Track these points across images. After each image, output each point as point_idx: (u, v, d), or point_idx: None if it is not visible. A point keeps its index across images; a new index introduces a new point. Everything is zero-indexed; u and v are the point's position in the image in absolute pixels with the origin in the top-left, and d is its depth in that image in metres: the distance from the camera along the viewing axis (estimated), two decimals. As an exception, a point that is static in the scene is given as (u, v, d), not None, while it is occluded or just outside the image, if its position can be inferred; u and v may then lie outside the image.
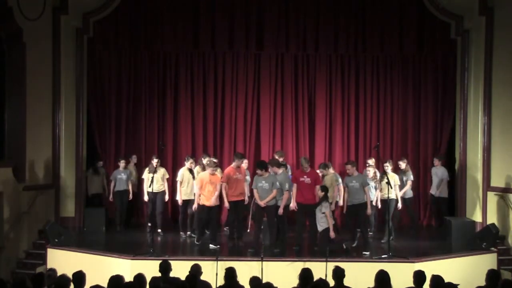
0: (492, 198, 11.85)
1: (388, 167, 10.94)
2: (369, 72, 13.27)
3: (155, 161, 11.38)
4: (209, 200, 10.37)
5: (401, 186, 11.31)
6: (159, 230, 11.59)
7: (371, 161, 11.77)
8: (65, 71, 12.43)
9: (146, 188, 11.36)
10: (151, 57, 13.18)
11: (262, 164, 10.07)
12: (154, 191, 11.08)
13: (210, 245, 10.27)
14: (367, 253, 9.94)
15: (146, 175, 11.47)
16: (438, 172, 12.29)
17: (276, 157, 11.07)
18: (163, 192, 11.62)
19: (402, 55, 13.22)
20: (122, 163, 12.16)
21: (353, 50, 13.14)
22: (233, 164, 10.66)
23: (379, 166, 12.77)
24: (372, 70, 13.28)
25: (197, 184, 10.53)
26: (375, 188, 11.12)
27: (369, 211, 10.16)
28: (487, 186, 12.02)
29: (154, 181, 10.96)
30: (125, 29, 13.01)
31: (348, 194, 10.30)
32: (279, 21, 13.03)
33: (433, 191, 12.38)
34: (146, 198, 11.54)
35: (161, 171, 11.61)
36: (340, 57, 13.27)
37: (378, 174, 11.32)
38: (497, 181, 11.88)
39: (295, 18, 13.03)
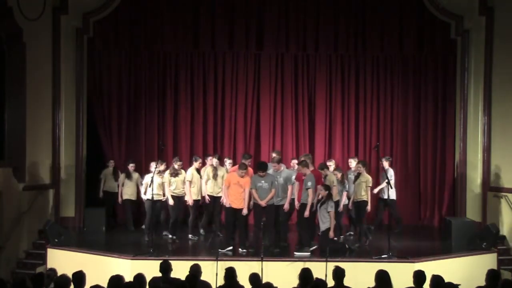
0: (492, 198, 11.86)
1: (361, 167, 10.64)
2: (369, 72, 13.27)
3: (178, 164, 11.03)
4: (234, 202, 9.99)
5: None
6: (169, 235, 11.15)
7: (332, 163, 11.38)
8: (65, 71, 12.43)
9: (169, 192, 10.90)
10: (151, 57, 13.18)
11: (263, 166, 10.03)
12: (177, 195, 10.98)
13: (239, 249, 9.99)
14: (304, 253, 9.82)
15: (168, 179, 10.94)
16: (390, 175, 11.62)
17: (274, 155, 11.01)
18: (184, 196, 11.19)
19: (402, 55, 13.22)
20: (162, 166, 11.22)
21: (353, 50, 13.14)
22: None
23: (379, 166, 12.84)
24: (372, 70, 13.27)
25: (225, 184, 10.24)
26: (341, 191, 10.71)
27: (307, 213, 9.86)
28: (487, 186, 12.03)
29: (179, 184, 10.88)
30: (125, 29, 13.00)
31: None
32: (279, 21, 13.03)
33: (386, 195, 11.41)
34: (171, 202, 10.91)
35: (183, 174, 11.17)
36: (340, 57, 13.27)
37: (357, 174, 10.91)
38: (497, 181, 11.89)
39: (295, 18, 13.02)
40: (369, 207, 10.62)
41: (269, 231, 10.05)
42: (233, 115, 13.26)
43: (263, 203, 9.83)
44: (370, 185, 10.56)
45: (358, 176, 10.62)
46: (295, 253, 9.89)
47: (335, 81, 13.28)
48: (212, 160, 11.26)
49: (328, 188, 9.95)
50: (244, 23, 13.02)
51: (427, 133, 13.21)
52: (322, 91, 13.26)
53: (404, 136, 13.28)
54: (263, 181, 9.86)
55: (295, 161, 11.27)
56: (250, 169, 10.70)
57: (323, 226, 9.87)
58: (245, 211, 9.97)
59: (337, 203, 10.25)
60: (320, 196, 9.94)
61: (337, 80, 13.27)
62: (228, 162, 11.51)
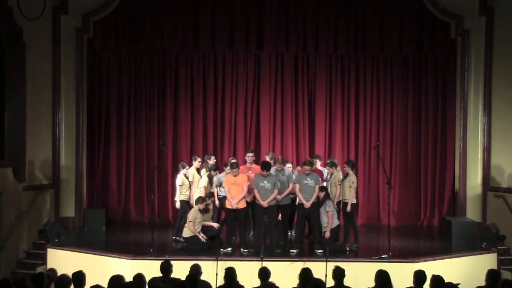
0: (492, 198, 11.87)
1: (347, 167, 10.37)
2: (369, 72, 13.26)
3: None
4: (232, 202, 9.90)
5: None
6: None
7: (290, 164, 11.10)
8: (65, 71, 12.45)
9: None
10: (151, 57, 13.17)
11: (267, 165, 10.01)
12: None
13: (241, 249, 9.93)
14: (294, 251, 9.87)
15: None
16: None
17: (267, 158, 10.85)
18: None
19: (402, 55, 13.20)
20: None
21: (353, 50, 13.13)
22: (248, 158, 10.58)
23: (379, 166, 12.85)
24: (372, 70, 13.26)
25: (225, 186, 10.07)
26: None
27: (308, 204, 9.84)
28: (487, 186, 12.03)
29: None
30: (125, 29, 13.00)
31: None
32: (279, 21, 13.02)
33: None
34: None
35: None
36: (340, 57, 13.25)
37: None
38: (497, 181, 11.91)
39: (295, 18, 13.02)
40: (348, 208, 10.15)
41: (270, 231, 10.08)
42: (233, 115, 13.25)
43: (265, 203, 9.80)
44: (353, 185, 10.18)
45: (346, 176, 10.40)
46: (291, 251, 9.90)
47: (335, 81, 13.26)
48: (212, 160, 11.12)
49: (324, 189, 9.98)
50: (244, 23, 13.01)
51: (427, 133, 13.19)
52: (322, 91, 13.25)
53: (404, 136, 13.26)
54: (265, 181, 9.83)
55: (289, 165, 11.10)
56: (257, 167, 10.53)
57: (324, 225, 9.89)
58: (233, 203, 9.83)
59: (353, 206, 10.15)
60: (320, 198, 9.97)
61: (337, 80, 13.26)
62: (212, 158, 11.13)
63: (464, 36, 12.58)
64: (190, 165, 11.14)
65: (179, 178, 10.85)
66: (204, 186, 10.63)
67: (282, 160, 10.39)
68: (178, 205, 10.84)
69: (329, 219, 9.80)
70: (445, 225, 11.71)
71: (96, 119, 13.06)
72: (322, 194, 9.93)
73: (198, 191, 10.66)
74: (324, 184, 10.57)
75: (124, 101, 13.12)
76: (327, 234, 9.79)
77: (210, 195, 10.45)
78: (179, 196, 10.81)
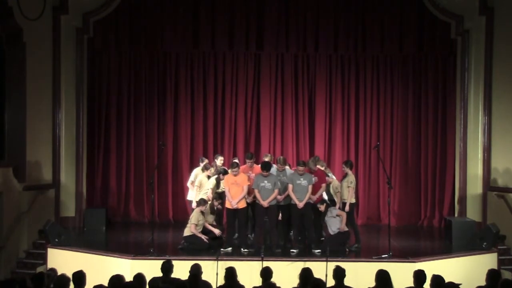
0: (492, 198, 11.87)
1: (345, 167, 10.32)
2: (369, 72, 13.26)
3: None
4: (232, 201, 9.85)
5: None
6: None
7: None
8: (65, 71, 12.45)
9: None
10: (151, 57, 13.18)
11: (267, 166, 10.00)
12: None
13: (241, 249, 9.92)
14: (294, 251, 9.87)
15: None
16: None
17: (266, 160, 10.78)
18: None
19: (402, 55, 13.20)
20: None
21: (353, 50, 13.13)
22: (248, 163, 10.55)
23: (379, 166, 12.85)
24: (372, 70, 13.26)
25: (225, 186, 10.02)
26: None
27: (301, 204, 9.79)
28: (487, 186, 12.03)
29: None
30: (125, 29, 13.00)
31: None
32: (279, 21, 13.03)
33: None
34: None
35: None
36: (340, 57, 13.26)
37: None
38: (497, 181, 11.91)
39: (295, 18, 13.02)
40: (347, 207, 10.06)
41: (270, 231, 10.07)
42: (233, 115, 13.25)
43: (265, 203, 9.80)
44: (351, 185, 10.12)
45: (344, 176, 10.36)
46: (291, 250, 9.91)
47: (335, 81, 13.26)
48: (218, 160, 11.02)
49: (324, 201, 10.08)
50: (244, 23, 13.02)
51: (427, 133, 13.19)
52: (322, 91, 13.25)
53: (404, 136, 13.27)
54: (266, 181, 9.81)
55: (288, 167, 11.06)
56: (257, 167, 10.49)
57: (332, 232, 9.98)
58: (233, 203, 9.79)
59: (352, 205, 10.18)
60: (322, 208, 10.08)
61: (337, 80, 13.26)
62: (219, 159, 11.09)
63: (464, 36, 12.58)
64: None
65: (194, 175, 10.83)
66: (211, 188, 10.51)
67: (284, 161, 10.38)
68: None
69: (341, 218, 9.89)
70: (445, 225, 11.71)
71: (96, 119, 13.06)
72: (322, 207, 10.01)
73: (204, 192, 10.59)
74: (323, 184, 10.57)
75: (124, 101, 13.12)
76: (343, 227, 9.88)
77: (218, 197, 10.39)
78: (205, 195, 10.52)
